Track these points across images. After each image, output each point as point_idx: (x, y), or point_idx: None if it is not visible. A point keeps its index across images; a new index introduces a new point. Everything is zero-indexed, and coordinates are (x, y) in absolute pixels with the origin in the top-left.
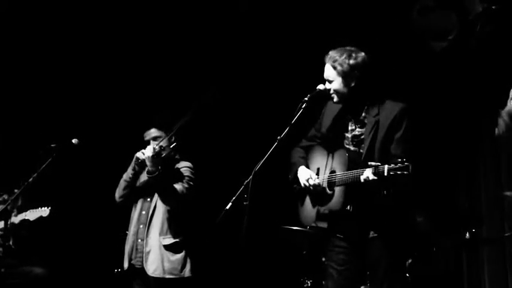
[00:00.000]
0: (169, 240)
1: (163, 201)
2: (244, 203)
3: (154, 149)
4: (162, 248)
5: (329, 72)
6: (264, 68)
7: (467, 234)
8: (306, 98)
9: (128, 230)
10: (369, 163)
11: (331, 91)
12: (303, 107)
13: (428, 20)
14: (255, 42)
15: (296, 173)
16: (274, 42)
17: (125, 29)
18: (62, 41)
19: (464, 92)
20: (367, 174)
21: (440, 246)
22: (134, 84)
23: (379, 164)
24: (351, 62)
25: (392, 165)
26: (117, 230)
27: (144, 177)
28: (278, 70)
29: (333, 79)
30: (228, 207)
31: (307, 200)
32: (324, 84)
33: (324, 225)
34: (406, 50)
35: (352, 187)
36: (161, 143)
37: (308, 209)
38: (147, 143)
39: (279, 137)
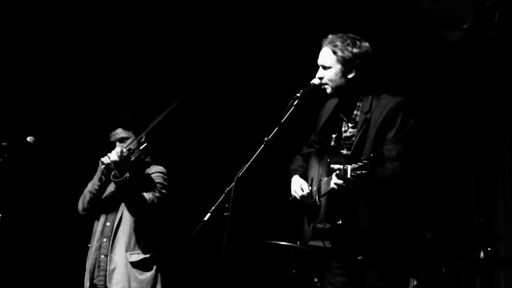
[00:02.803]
0: (137, 256)
1: (130, 211)
2: (225, 214)
3: (122, 152)
4: (129, 265)
5: (326, 56)
6: (250, 62)
7: (482, 254)
8: (298, 94)
9: (89, 244)
10: (331, 166)
11: (324, 80)
12: (294, 104)
13: (440, 7)
14: (238, 38)
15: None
16: (264, 37)
17: (92, 24)
18: (19, 37)
19: (480, 89)
20: (333, 179)
21: (451, 267)
22: (98, 80)
23: (343, 166)
24: (355, 50)
25: (353, 165)
26: (77, 243)
27: (111, 187)
28: (268, 65)
29: (330, 65)
30: (206, 218)
31: (305, 218)
32: (316, 76)
33: (319, 243)
34: (414, 40)
35: (335, 197)
36: (130, 146)
37: (305, 225)
38: (113, 144)
39: (266, 139)
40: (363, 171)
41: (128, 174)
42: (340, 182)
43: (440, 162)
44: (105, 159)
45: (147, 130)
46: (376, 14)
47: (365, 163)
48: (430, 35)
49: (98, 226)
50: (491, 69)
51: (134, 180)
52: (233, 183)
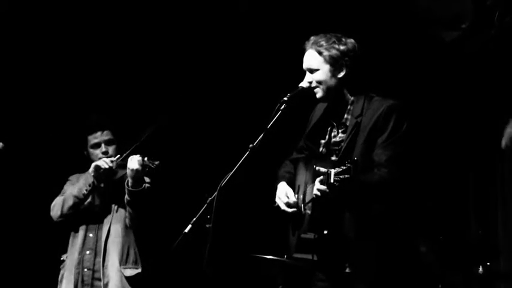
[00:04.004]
0: (131, 271)
1: (134, 222)
2: (207, 226)
3: (143, 160)
4: (124, 279)
5: (312, 59)
6: (236, 66)
7: (480, 269)
8: (286, 98)
9: (64, 256)
10: (316, 168)
11: (314, 83)
12: (281, 108)
13: (439, 5)
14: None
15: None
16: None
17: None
18: None
19: (478, 92)
20: (316, 184)
21: (447, 283)
22: (71, 82)
23: (327, 170)
24: (341, 47)
25: (336, 169)
26: (51, 254)
27: (95, 195)
28: (256, 68)
29: (317, 67)
30: (187, 230)
31: (290, 227)
32: (305, 82)
33: (306, 255)
34: (409, 40)
35: (320, 204)
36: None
37: (290, 234)
38: (95, 146)
39: (251, 145)
40: (346, 175)
41: (146, 185)
42: (323, 187)
43: (436, 168)
44: (102, 164)
45: (135, 146)
46: (371, 13)
47: (348, 167)
48: (426, 35)
49: (78, 238)
50: (491, 69)
51: (151, 190)
52: (216, 193)
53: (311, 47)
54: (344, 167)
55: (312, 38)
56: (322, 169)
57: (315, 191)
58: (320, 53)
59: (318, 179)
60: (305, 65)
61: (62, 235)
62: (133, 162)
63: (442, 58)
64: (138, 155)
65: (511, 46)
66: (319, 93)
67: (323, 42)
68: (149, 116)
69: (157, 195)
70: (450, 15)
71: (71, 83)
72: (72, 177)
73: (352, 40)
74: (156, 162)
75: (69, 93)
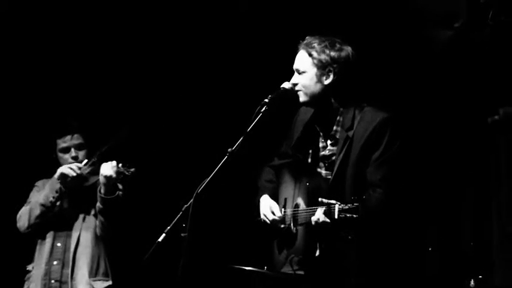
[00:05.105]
0: (101, 283)
1: (106, 231)
2: (182, 235)
3: (118, 167)
4: None
5: (302, 60)
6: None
7: (472, 282)
8: (266, 100)
9: (30, 266)
10: (320, 199)
11: (299, 86)
12: (262, 111)
13: (430, 2)
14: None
15: (259, 204)
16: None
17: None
18: None
19: (473, 96)
20: (318, 214)
21: None
22: (42, 83)
23: (333, 202)
24: (333, 53)
25: (343, 205)
26: (15, 264)
27: (63, 202)
28: (234, 70)
29: (304, 69)
30: (160, 239)
31: (275, 242)
32: (291, 82)
33: (298, 270)
34: (399, 41)
35: (317, 232)
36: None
37: (275, 251)
38: (65, 150)
39: (230, 150)
40: (353, 215)
41: (119, 192)
42: (326, 220)
43: (429, 179)
44: (68, 171)
45: (103, 150)
46: (363, 14)
47: (356, 206)
48: (418, 35)
49: (45, 248)
50: (485, 70)
51: (124, 198)
52: (192, 200)
53: (303, 48)
54: (351, 205)
55: (307, 38)
56: (325, 200)
57: (315, 220)
58: (310, 55)
59: (320, 210)
60: (294, 65)
61: (27, 243)
62: (107, 168)
63: (435, 59)
64: (114, 161)
65: (505, 46)
66: (302, 96)
67: (315, 45)
68: (123, 119)
69: (130, 203)
70: (443, 14)
71: (42, 83)
72: (39, 183)
73: (348, 48)
74: (132, 169)
75: (40, 93)
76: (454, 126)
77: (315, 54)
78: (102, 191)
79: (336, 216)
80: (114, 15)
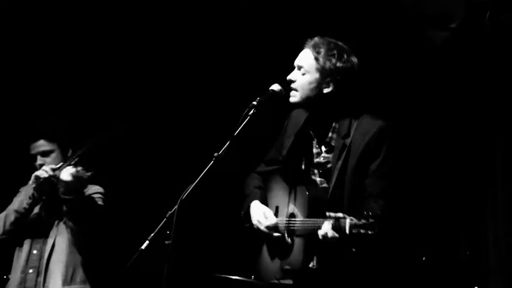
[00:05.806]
0: None
1: (78, 237)
2: (166, 242)
3: (77, 171)
4: None
5: (306, 60)
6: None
7: None
8: (255, 103)
9: (8, 276)
10: (327, 214)
11: (295, 84)
12: (249, 114)
13: (425, 3)
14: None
15: (248, 209)
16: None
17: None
18: None
19: (470, 99)
20: (326, 229)
21: None
22: (19, 85)
23: (341, 215)
24: (338, 64)
25: (355, 220)
26: None
27: (38, 208)
28: (215, 71)
29: (306, 71)
30: (143, 247)
31: (265, 248)
32: (287, 78)
33: (288, 281)
34: (395, 42)
35: (315, 239)
36: (79, 167)
37: (267, 260)
38: (33, 157)
39: (216, 154)
40: (369, 231)
41: (82, 195)
42: (336, 235)
43: (422, 184)
44: (41, 174)
45: (80, 153)
46: (360, 15)
47: (372, 223)
48: (414, 36)
49: (21, 255)
50: (481, 71)
51: (91, 201)
52: (176, 207)
53: (310, 48)
54: (365, 221)
55: (316, 39)
56: (332, 214)
57: (323, 234)
58: (316, 59)
59: (328, 224)
60: (297, 61)
61: (6, 251)
62: (65, 174)
63: (431, 60)
64: (74, 167)
65: (504, 47)
66: (294, 97)
67: (323, 50)
68: (105, 122)
69: (105, 209)
70: (439, 13)
71: (20, 86)
72: (23, 189)
73: (354, 59)
74: (89, 173)
75: (31, 96)
76: (450, 132)
77: (320, 59)
78: (61, 191)
79: (347, 231)
80: (103, 12)
